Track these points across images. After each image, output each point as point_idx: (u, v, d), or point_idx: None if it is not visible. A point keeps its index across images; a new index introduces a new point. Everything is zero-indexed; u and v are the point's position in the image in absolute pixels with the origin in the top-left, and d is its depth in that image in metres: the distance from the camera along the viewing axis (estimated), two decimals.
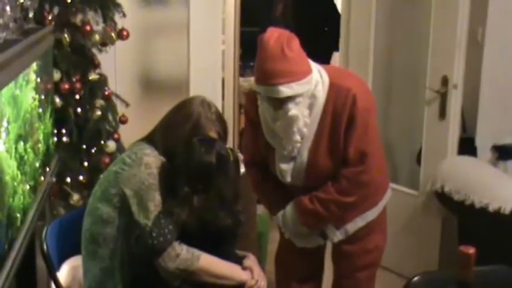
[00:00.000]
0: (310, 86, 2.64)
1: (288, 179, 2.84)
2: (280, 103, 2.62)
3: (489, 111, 3.91)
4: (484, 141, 3.91)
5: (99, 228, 2.51)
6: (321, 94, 2.70)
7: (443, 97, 3.76)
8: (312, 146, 2.77)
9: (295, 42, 2.62)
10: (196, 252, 2.42)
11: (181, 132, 2.53)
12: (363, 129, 2.73)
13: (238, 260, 2.56)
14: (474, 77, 3.87)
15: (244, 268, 2.55)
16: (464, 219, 3.52)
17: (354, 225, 2.91)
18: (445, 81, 3.74)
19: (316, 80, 2.68)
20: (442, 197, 3.57)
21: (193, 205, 2.42)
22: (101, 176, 2.65)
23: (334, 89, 2.71)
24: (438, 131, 3.82)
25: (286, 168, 2.82)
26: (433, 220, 3.92)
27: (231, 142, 4.74)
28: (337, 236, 2.92)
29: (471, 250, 1.85)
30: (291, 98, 2.60)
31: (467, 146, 3.89)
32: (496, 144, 3.87)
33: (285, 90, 2.57)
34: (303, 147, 2.77)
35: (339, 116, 2.70)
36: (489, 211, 3.21)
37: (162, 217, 2.39)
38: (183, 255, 2.39)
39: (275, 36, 2.60)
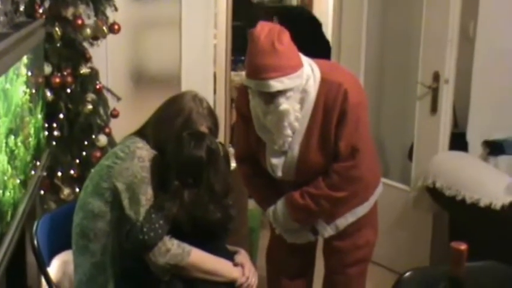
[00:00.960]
0: (301, 81, 2.64)
1: (279, 173, 2.84)
2: (271, 97, 2.62)
3: (480, 106, 3.91)
4: (475, 137, 3.91)
5: (90, 223, 2.49)
6: (312, 89, 2.70)
7: (435, 92, 3.76)
8: (303, 140, 2.77)
9: (286, 36, 2.61)
10: (187, 247, 2.41)
11: (173, 127, 2.52)
12: (354, 125, 2.73)
13: (230, 256, 2.55)
14: (465, 72, 3.88)
15: (235, 264, 2.54)
16: (456, 214, 3.53)
17: (345, 220, 2.92)
18: (436, 76, 3.74)
19: (307, 74, 2.68)
20: (434, 193, 3.57)
21: (184, 199, 2.41)
22: (92, 170, 2.63)
23: (325, 84, 2.71)
24: (430, 126, 3.83)
25: (277, 163, 2.82)
26: (424, 215, 3.93)
27: (222, 136, 4.73)
28: (328, 231, 2.93)
29: (463, 246, 1.85)
30: (281, 93, 2.60)
31: (458, 141, 3.89)
32: (487, 140, 3.87)
33: (276, 84, 2.57)
34: (294, 142, 2.77)
35: (330, 111, 2.71)
36: (480, 206, 3.21)
37: (153, 212, 2.38)
38: (174, 250, 2.39)
39: (266, 30, 2.60)
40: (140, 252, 2.39)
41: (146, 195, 2.41)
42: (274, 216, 2.91)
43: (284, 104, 2.63)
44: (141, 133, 2.59)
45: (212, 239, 2.50)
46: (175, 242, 2.40)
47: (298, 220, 2.88)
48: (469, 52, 3.86)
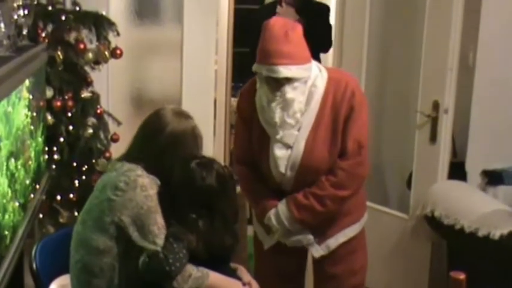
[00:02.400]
0: (308, 74, 2.75)
1: (282, 169, 2.85)
2: (279, 85, 2.71)
3: (479, 136, 3.92)
4: (474, 166, 3.92)
5: (95, 259, 2.40)
6: (321, 85, 2.80)
7: (434, 121, 3.77)
8: (309, 135, 2.82)
9: (299, 29, 2.75)
10: (204, 270, 2.40)
11: (186, 145, 2.47)
12: (361, 121, 2.84)
13: (235, 275, 2.56)
14: (465, 102, 3.89)
15: (244, 284, 2.55)
16: (454, 243, 3.52)
17: (335, 241, 2.96)
18: (436, 105, 3.75)
19: (315, 73, 2.80)
20: (432, 221, 3.57)
21: (199, 230, 2.41)
22: (87, 201, 2.49)
23: (333, 82, 2.83)
24: (429, 155, 3.83)
25: (281, 156, 2.84)
26: (422, 244, 3.92)
27: (221, 160, 4.74)
28: (319, 251, 2.96)
29: (462, 276, 1.85)
30: (288, 81, 2.70)
31: (457, 171, 3.89)
32: (485, 170, 3.87)
33: (284, 71, 2.67)
34: (301, 137, 2.82)
35: (339, 107, 2.81)
36: (478, 236, 3.21)
37: (173, 241, 2.34)
38: (195, 274, 2.37)
39: (280, 21, 2.76)
40: (164, 282, 2.36)
41: (157, 225, 2.35)
42: (276, 219, 2.90)
43: (290, 93, 2.72)
44: (132, 157, 2.48)
45: (223, 262, 2.51)
46: (194, 267, 2.39)
47: (302, 221, 2.87)
48: (468, 81, 3.89)
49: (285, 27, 2.70)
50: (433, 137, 3.80)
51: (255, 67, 2.77)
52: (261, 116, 2.85)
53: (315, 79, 2.80)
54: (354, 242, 3.00)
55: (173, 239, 2.35)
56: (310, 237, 2.94)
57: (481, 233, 3.21)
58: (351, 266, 3.01)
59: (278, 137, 2.81)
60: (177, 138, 2.46)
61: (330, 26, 5.10)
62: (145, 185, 2.37)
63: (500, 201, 3.60)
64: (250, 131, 2.92)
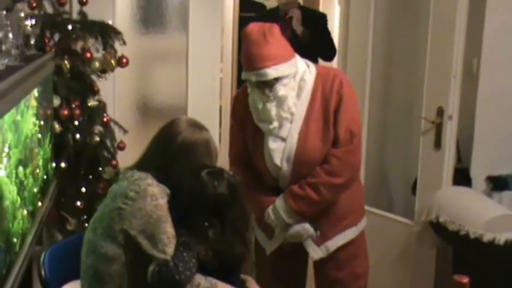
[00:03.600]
0: (295, 69, 2.86)
1: (277, 160, 2.91)
2: (269, 86, 2.82)
3: (484, 142, 3.94)
4: (478, 172, 3.93)
5: (104, 266, 2.42)
6: (309, 78, 2.91)
7: (439, 128, 3.79)
8: (302, 127, 2.90)
9: (276, 30, 2.83)
10: (213, 280, 2.41)
11: (197, 156, 2.49)
12: (351, 110, 2.91)
13: (243, 285, 2.57)
14: (469, 108, 3.91)
15: None
16: (459, 249, 3.53)
17: (335, 243, 3.02)
18: (440, 112, 3.77)
19: (303, 68, 2.91)
20: (437, 227, 3.58)
21: (209, 239, 2.42)
22: (99, 209, 2.54)
23: (321, 75, 2.94)
24: (433, 161, 3.85)
25: (276, 148, 2.92)
26: (428, 250, 3.93)
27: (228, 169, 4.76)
28: (318, 253, 3.01)
29: (465, 279, 1.87)
30: (278, 80, 2.81)
31: (462, 177, 3.91)
32: (490, 175, 3.89)
33: (272, 72, 2.78)
34: (293, 130, 2.90)
35: (328, 97, 2.90)
36: (483, 241, 3.22)
37: (183, 250, 2.36)
38: (203, 284, 2.38)
39: (256, 26, 2.84)
40: None
41: (167, 234, 2.36)
42: (274, 214, 2.94)
43: (282, 91, 2.83)
44: (143, 167, 2.51)
45: (233, 273, 2.52)
46: (203, 277, 2.40)
47: (300, 212, 2.92)
48: (472, 88, 3.90)
49: (262, 30, 2.80)
50: (438, 143, 3.81)
51: (243, 75, 2.86)
52: (256, 117, 2.93)
53: (303, 73, 2.90)
54: (354, 246, 3.06)
55: (183, 248, 2.36)
56: (308, 227, 2.97)
57: (486, 239, 3.22)
58: (354, 270, 3.06)
59: (271, 127, 2.88)
60: (188, 147, 2.48)
61: (330, 33, 5.13)
62: (155, 194, 2.38)
63: (506, 206, 3.62)
64: (244, 132, 3.00)
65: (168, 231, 2.37)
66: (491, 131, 3.92)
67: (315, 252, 3.02)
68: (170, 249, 2.36)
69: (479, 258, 3.29)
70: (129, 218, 2.36)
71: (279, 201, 2.94)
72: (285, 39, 2.88)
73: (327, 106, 2.90)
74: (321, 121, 2.90)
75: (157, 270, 2.34)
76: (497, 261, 3.21)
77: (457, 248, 3.56)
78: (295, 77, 2.87)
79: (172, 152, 2.48)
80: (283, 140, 2.91)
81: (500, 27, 3.86)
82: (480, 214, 3.39)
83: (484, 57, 3.88)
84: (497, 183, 3.83)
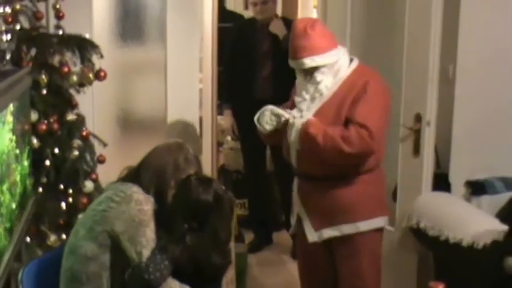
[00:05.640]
0: (333, 59, 3.14)
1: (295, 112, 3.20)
2: (309, 73, 3.15)
3: (462, 147, 3.97)
4: (457, 177, 3.95)
5: (82, 266, 2.50)
6: (344, 69, 3.18)
7: (417, 134, 3.81)
8: (318, 109, 3.18)
9: (318, 24, 3.17)
10: (186, 287, 2.44)
11: (167, 177, 2.59)
12: (369, 104, 3.09)
13: None
14: (447, 114, 3.94)
15: None
16: (440, 254, 3.55)
17: (330, 232, 3.26)
18: (418, 118, 3.79)
19: (342, 62, 3.18)
20: (418, 233, 3.60)
21: (186, 242, 2.44)
22: (80, 216, 2.65)
23: (358, 72, 3.20)
24: (413, 167, 3.87)
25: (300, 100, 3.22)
26: (409, 256, 3.95)
27: None
28: (313, 237, 3.29)
29: (441, 286, 1.88)
30: (316, 69, 3.12)
31: (441, 182, 3.93)
32: (469, 180, 3.91)
33: (308, 62, 3.11)
34: (312, 108, 3.18)
35: (348, 93, 3.14)
36: (463, 246, 3.25)
37: (157, 253, 2.41)
38: None
39: (302, 21, 3.24)
40: None
41: (146, 237, 2.45)
42: (290, 128, 3.20)
43: (319, 77, 3.14)
44: (132, 180, 2.63)
45: (211, 283, 2.53)
46: (178, 282, 2.43)
47: (303, 143, 3.15)
48: (449, 94, 3.93)
49: (304, 24, 3.13)
50: (416, 150, 3.83)
51: (289, 62, 3.21)
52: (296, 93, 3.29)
53: (340, 66, 3.17)
54: (354, 244, 3.26)
55: (158, 251, 2.40)
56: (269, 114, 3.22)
57: (465, 243, 3.25)
58: (354, 268, 3.31)
59: (298, 100, 3.22)
60: (182, 172, 2.62)
61: None
62: (140, 200, 2.50)
63: (484, 210, 3.64)
64: None
65: (147, 234, 2.45)
66: (469, 136, 3.95)
67: (311, 236, 3.29)
68: (147, 252, 2.42)
69: (459, 263, 3.31)
70: (112, 220, 2.47)
71: (297, 124, 3.16)
72: (327, 33, 3.18)
73: (345, 100, 3.13)
74: (335, 112, 3.14)
75: (130, 272, 2.39)
76: (476, 265, 3.23)
77: (438, 253, 3.58)
78: (333, 66, 3.14)
79: (168, 178, 2.60)
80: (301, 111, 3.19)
81: (475, 32, 3.89)
82: (459, 219, 3.41)
83: (459, 63, 3.91)
84: (475, 188, 3.86)
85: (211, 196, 2.48)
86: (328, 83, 3.15)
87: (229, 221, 2.58)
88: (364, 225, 3.26)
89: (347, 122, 3.11)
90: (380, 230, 3.38)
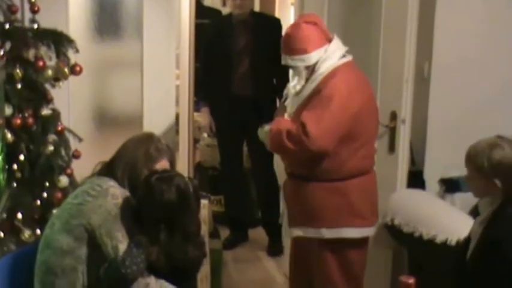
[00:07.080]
0: (304, 64, 3.21)
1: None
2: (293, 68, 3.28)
3: (437, 145, 4.00)
4: (432, 175, 3.99)
5: (57, 259, 2.50)
6: (321, 71, 3.22)
7: (392, 132, 3.83)
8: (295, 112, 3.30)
9: (303, 26, 3.21)
10: (164, 283, 2.44)
11: (137, 167, 2.60)
12: (316, 107, 3.15)
13: None
14: (422, 111, 3.96)
15: None
16: (414, 250, 3.58)
17: (295, 232, 3.40)
18: (393, 116, 3.81)
19: (318, 67, 3.23)
20: (392, 229, 3.62)
21: (160, 242, 2.43)
22: (56, 210, 2.64)
23: (330, 75, 3.22)
24: (388, 165, 3.89)
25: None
26: (384, 252, 3.97)
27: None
28: (289, 233, 3.52)
29: (411, 280, 1.90)
30: (289, 67, 3.27)
31: (416, 179, 3.96)
32: (443, 178, 3.94)
33: (283, 59, 3.27)
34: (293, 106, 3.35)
35: (313, 95, 3.23)
36: (436, 242, 3.27)
37: (133, 246, 2.41)
38: (152, 285, 2.42)
39: (300, 18, 3.41)
40: (120, 286, 2.39)
41: (122, 232, 2.46)
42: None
43: (291, 77, 3.30)
44: (106, 174, 2.64)
45: (186, 278, 2.53)
46: (153, 277, 2.43)
47: (269, 135, 3.29)
48: (424, 92, 3.96)
49: (295, 23, 3.33)
50: (392, 147, 3.86)
51: None
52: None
53: (318, 69, 3.22)
54: (325, 251, 3.33)
55: (134, 245, 2.40)
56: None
57: (438, 240, 3.27)
58: (322, 272, 3.38)
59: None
60: (153, 161, 2.66)
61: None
62: (116, 194, 2.51)
63: (458, 208, 3.67)
64: None
65: (123, 229, 2.46)
66: (443, 134, 3.98)
67: (289, 232, 3.52)
68: (123, 246, 2.43)
69: (432, 259, 3.34)
70: (89, 213, 2.48)
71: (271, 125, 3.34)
72: (312, 37, 3.21)
73: (310, 99, 3.22)
74: (302, 109, 3.22)
75: (106, 267, 2.39)
76: (449, 261, 3.25)
77: (412, 249, 3.61)
78: (306, 70, 3.22)
79: (140, 169, 2.62)
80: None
81: (450, 30, 3.92)
82: (433, 216, 3.44)
83: (434, 61, 3.94)
84: (449, 185, 3.89)
85: (174, 194, 2.46)
86: (297, 84, 3.25)
87: (196, 212, 2.57)
88: (328, 233, 3.31)
89: None
90: (357, 240, 3.40)
